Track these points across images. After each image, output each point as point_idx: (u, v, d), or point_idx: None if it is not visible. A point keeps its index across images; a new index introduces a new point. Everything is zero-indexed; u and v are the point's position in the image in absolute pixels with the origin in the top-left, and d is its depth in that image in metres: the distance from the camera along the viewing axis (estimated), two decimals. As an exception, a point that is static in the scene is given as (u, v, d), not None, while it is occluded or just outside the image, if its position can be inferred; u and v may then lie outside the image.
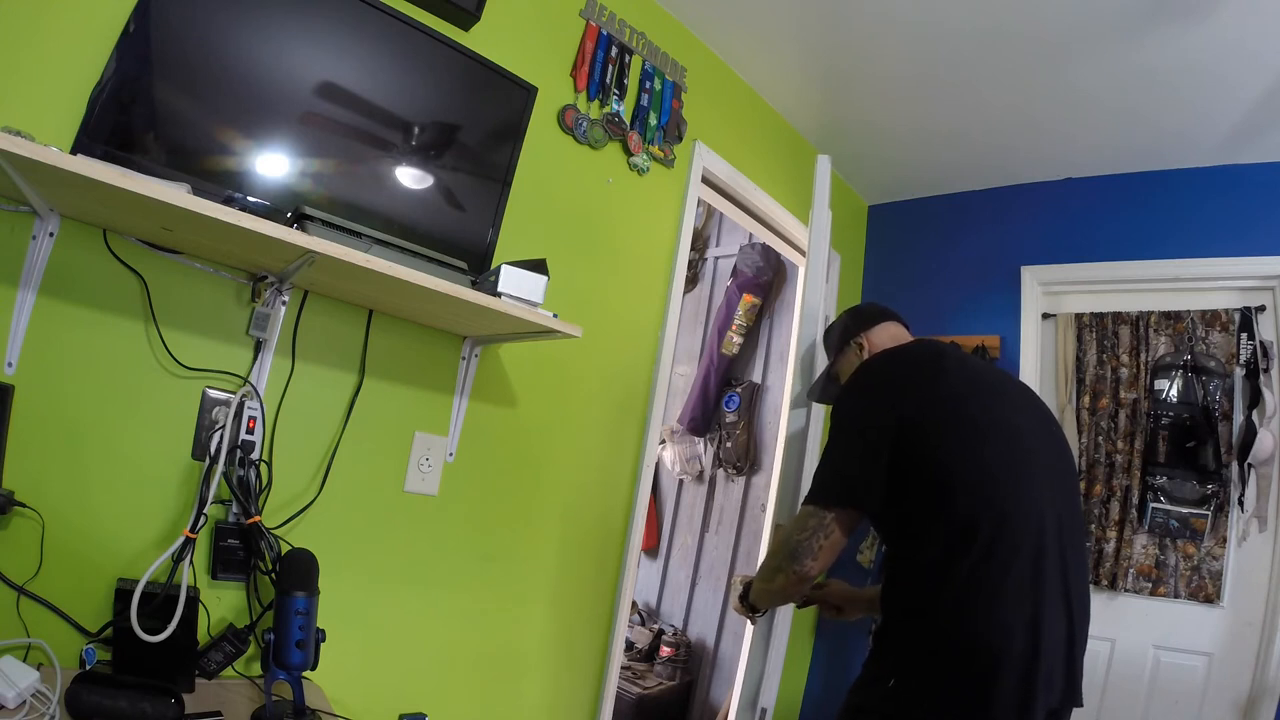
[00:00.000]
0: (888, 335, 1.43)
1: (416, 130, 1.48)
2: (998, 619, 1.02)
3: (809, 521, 1.15)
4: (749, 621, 1.47)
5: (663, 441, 3.51)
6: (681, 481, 3.62)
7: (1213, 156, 2.31)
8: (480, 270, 1.51)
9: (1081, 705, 1.12)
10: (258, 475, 1.29)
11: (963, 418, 1.14)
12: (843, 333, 1.47)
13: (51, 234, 1.10)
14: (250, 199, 1.24)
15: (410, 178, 1.48)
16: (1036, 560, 1.06)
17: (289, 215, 1.17)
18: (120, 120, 1.13)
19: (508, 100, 1.62)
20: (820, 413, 1.73)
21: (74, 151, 1.03)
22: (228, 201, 1.11)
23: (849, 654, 2.77)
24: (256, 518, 1.26)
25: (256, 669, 1.31)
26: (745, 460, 3.32)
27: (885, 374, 1.25)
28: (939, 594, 1.06)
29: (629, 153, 1.99)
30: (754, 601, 1.37)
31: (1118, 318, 2.43)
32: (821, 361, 1.62)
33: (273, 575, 1.24)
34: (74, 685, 0.97)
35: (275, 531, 1.31)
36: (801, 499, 1.22)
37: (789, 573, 1.16)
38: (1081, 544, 1.20)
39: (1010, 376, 1.38)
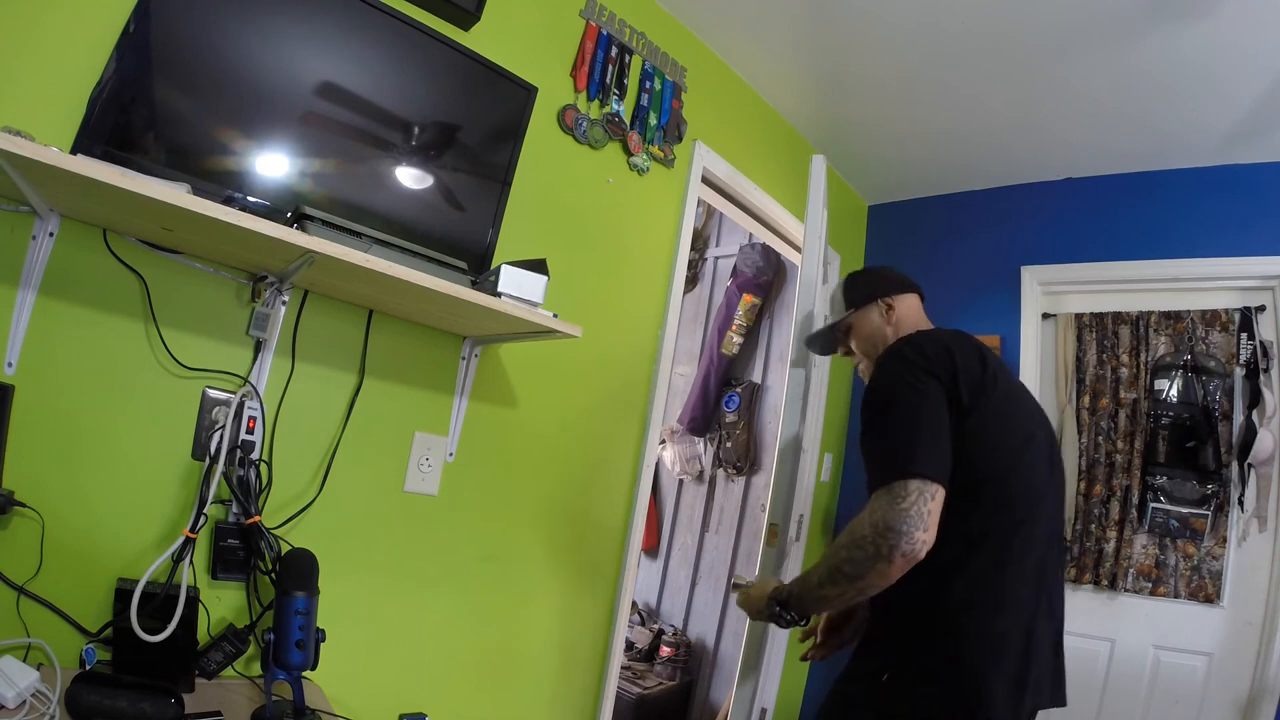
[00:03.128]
0: (914, 310, 1.37)
1: (416, 130, 1.48)
2: (998, 626, 1.03)
3: (906, 492, 0.97)
4: (776, 625, 1.24)
5: (663, 441, 3.51)
6: (681, 481, 3.62)
7: (1212, 157, 2.31)
8: (480, 270, 1.51)
9: (1064, 705, 1.14)
10: (258, 475, 1.29)
11: (1004, 422, 1.10)
12: (867, 288, 1.39)
13: (51, 234, 1.10)
14: (250, 199, 1.24)
15: (410, 178, 1.48)
16: (1036, 571, 1.08)
17: (289, 215, 1.17)
18: (120, 120, 1.13)
19: (508, 100, 1.62)
20: (819, 412, 1.72)
21: (74, 151, 1.03)
22: (228, 201, 1.11)
23: (848, 654, 2.76)
24: (256, 518, 1.26)
25: (256, 669, 1.31)
26: (745, 460, 3.32)
27: (943, 356, 1.11)
28: (946, 594, 1.05)
29: (629, 153, 1.99)
30: (807, 608, 1.17)
31: (1118, 318, 2.43)
32: (815, 363, 1.61)
33: (273, 575, 1.24)
34: (74, 685, 0.97)
35: (275, 531, 1.31)
36: (876, 483, 1.04)
37: (893, 555, 0.96)
38: (1062, 550, 1.22)
39: (1022, 384, 1.32)
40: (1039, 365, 2.56)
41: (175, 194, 0.93)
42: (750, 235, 3.18)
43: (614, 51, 1.93)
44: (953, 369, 1.09)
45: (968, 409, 1.06)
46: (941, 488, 0.99)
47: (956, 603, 1.04)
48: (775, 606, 1.19)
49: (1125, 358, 2.39)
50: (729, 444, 3.35)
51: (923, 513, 0.96)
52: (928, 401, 1.05)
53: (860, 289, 1.42)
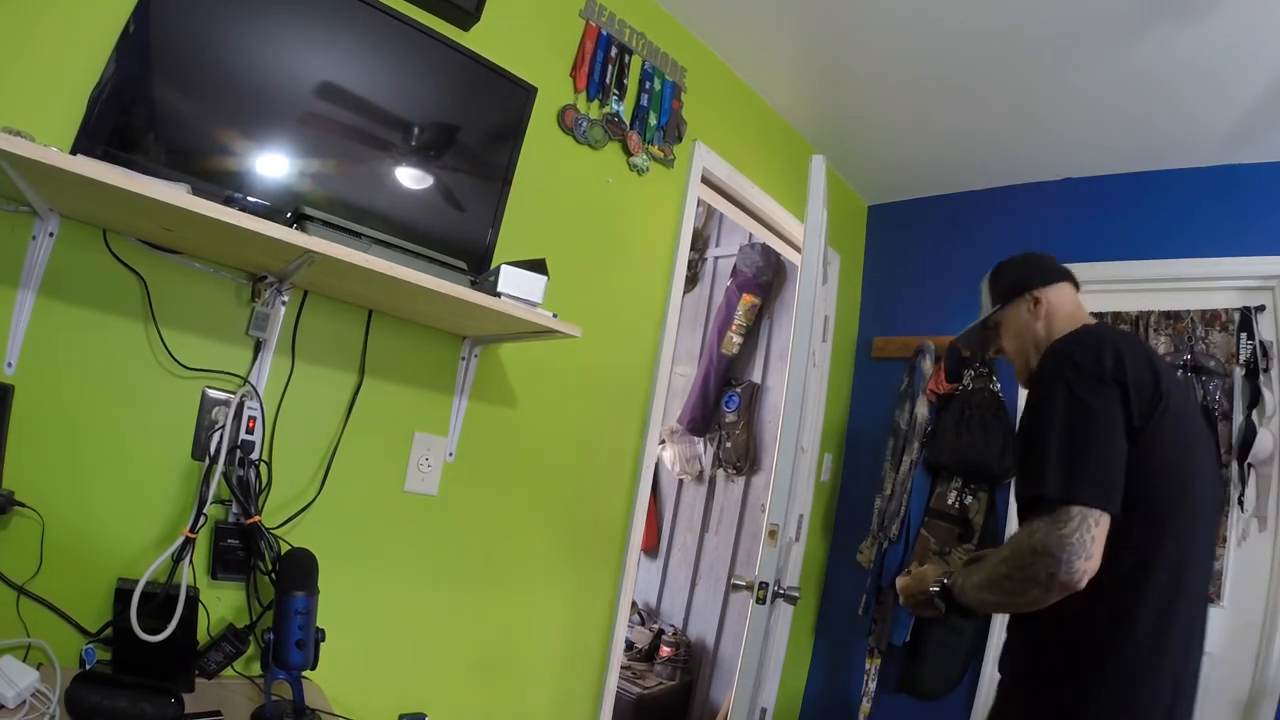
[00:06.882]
0: (1068, 301, 1.27)
1: (416, 130, 1.48)
2: (1162, 667, 0.99)
3: (1069, 518, 0.94)
4: (922, 612, 1.23)
5: (663, 441, 3.51)
6: (681, 481, 3.62)
7: (1212, 157, 2.31)
8: (480, 270, 1.51)
9: None
10: (257, 475, 1.29)
11: (1180, 441, 1.03)
12: (1015, 282, 1.30)
13: (51, 234, 1.10)
14: (250, 199, 1.24)
15: (410, 178, 1.48)
16: (1193, 609, 1.05)
17: (289, 215, 1.17)
18: (120, 120, 1.13)
19: (507, 100, 1.62)
20: (819, 412, 1.72)
21: (74, 152, 1.03)
22: (227, 201, 1.11)
23: (849, 654, 2.77)
24: (256, 518, 1.26)
25: (256, 669, 1.31)
26: (745, 460, 3.32)
27: (1117, 363, 1.03)
28: (1111, 629, 1.00)
29: (629, 153, 1.99)
30: (964, 602, 1.14)
31: (1117, 318, 2.43)
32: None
33: (272, 575, 1.24)
34: (74, 685, 0.97)
35: (275, 531, 1.31)
36: (1035, 503, 1.00)
37: (1051, 582, 0.94)
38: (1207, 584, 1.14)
39: (1193, 400, 1.23)
40: (1039, 365, 2.56)
41: (175, 194, 0.93)
42: (750, 235, 3.18)
43: (614, 52, 1.93)
44: (1124, 380, 1.00)
45: (1138, 429, 0.99)
46: (1108, 515, 0.95)
47: (1125, 640, 0.99)
48: (936, 588, 1.17)
49: (1125, 358, 2.38)
50: (729, 444, 3.35)
51: (1085, 541, 0.92)
52: (1100, 417, 0.99)
53: (1006, 283, 1.32)
